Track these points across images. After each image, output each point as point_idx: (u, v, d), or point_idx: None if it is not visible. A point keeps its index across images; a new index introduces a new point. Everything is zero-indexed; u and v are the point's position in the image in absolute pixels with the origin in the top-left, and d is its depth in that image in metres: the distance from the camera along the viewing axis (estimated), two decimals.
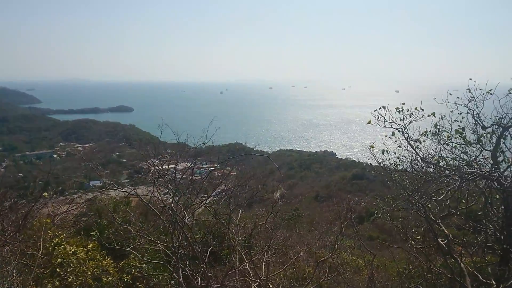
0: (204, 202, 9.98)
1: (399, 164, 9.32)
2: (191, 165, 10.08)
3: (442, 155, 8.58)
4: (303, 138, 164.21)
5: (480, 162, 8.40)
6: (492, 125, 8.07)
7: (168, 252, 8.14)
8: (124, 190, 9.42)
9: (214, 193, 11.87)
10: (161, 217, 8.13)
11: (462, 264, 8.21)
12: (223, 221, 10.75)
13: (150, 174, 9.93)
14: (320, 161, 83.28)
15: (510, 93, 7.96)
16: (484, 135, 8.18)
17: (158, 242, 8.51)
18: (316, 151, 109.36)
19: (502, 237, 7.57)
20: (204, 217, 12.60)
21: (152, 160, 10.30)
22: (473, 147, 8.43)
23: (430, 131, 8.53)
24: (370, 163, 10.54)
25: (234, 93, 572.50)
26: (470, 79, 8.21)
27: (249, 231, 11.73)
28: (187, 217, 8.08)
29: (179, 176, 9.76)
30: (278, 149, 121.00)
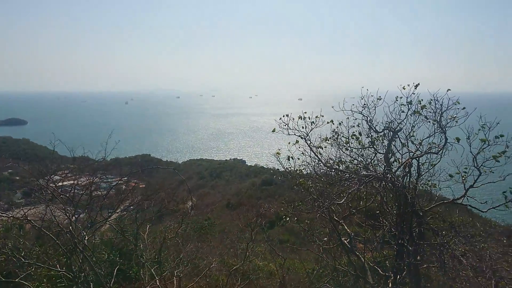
0: (108, 219, 9.36)
1: (304, 169, 9.70)
2: (94, 179, 9.40)
3: (342, 159, 9.13)
4: (213, 146, 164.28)
5: (375, 164, 9.09)
6: (383, 129, 8.80)
7: (70, 277, 7.47)
8: (6, 215, 8.30)
9: (120, 208, 11.23)
10: (57, 241, 7.40)
11: (364, 260, 8.77)
12: (130, 238, 10.24)
13: (49, 192, 9.01)
14: (230, 169, 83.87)
15: (397, 100, 8.74)
16: (377, 139, 8.87)
17: (58, 267, 7.76)
18: (226, 159, 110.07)
19: (397, 232, 8.23)
20: (110, 235, 11.89)
21: (49, 176, 9.39)
22: (368, 150, 9.11)
23: (330, 137, 9.02)
24: (278, 169, 10.83)
25: (140, 103, 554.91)
26: (363, 87, 8.86)
27: (158, 246, 11.31)
28: (86, 238, 7.48)
29: (81, 192, 9.03)
30: (188, 158, 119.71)
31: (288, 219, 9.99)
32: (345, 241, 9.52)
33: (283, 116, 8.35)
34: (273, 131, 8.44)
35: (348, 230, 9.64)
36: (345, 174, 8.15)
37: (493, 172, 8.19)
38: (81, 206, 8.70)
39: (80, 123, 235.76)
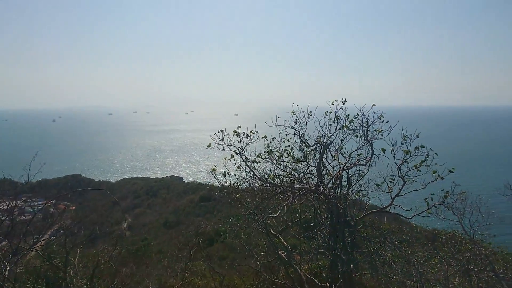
0: (33, 245, 8.70)
1: (240, 185, 9.74)
2: (17, 203, 8.70)
3: (276, 173, 9.30)
4: (148, 164, 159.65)
5: (308, 177, 9.36)
6: (315, 143, 9.12)
7: None
8: None
9: (47, 233, 10.49)
10: None
11: (300, 272, 8.93)
12: (59, 264, 9.60)
13: None
14: (167, 186, 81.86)
15: (326, 115, 9.12)
16: (309, 152, 9.18)
17: None
18: (162, 177, 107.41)
19: (331, 242, 8.49)
20: (37, 263, 11.04)
21: None
22: (301, 164, 9.37)
23: (264, 152, 9.17)
24: (216, 185, 10.78)
25: (70, 120, 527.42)
26: (294, 103, 9.15)
27: (90, 271, 10.70)
28: (8, 268, 6.90)
29: (2, 217, 8.31)
30: (123, 177, 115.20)
31: (226, 235, 9.94)
32: (282, 254, 9.65)
33: (218, 132, 8.35)
34: (208, 146, 8.40)
35: (285, 243, 9.79)
36: (280, 188, 8.30)
37: (415, 181, 8.77)
38: (1, 234, 8.02)
39: (1, 143, 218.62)
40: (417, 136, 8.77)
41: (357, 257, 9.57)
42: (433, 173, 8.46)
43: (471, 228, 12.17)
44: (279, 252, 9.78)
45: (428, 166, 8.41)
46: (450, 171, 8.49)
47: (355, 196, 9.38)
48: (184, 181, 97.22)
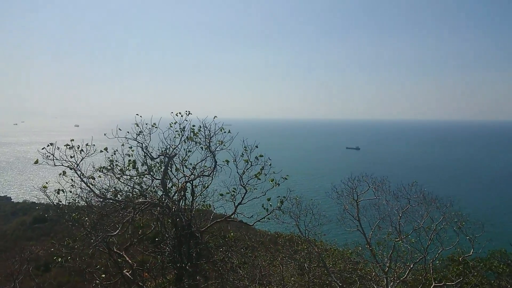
0: None
1: (77, 202, 8.92)
2: None
3: (120, 188, 8.81)
4: None
5: (153, 190, 9.11)
6: (159, 155, 8.94)
7: None
8: None
9: None
10: None
11: None
12: None
13: None
14: None
15: (171, 126, 9.05)
16: (154, 165, 8.95)
17: None
18: None
19: (176, 256, 8.38)
20: None
21: None
22: (146, 177, 9.07)
23: (104, 166, 8.59)
24: (53, 203, 9.65)
25: None
26: (137, 114, 8.83)
27: None
28: None
29: None
30: None
31: (60, 259, 8.94)
32: (127, 273, 9.14)
33: (47, 146, 7.44)
34: (36, 162, 7.42)
35: (130, 261, 9.29)
36: (121, 204, 7.86)
37: (256, 189, 9.30)
38: None
39: None
40: (256, 147, 9.33)
41: (205, 267, 9.67)
42: (271, 181, 9.06)
43: (306, 229, 13.48)
44: (124, 271, 9.24)
45: (266, 175, 9.00)
46: (285, 178, 9.23)
47: (200, 207, 9.49)
48: (13, 201, 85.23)
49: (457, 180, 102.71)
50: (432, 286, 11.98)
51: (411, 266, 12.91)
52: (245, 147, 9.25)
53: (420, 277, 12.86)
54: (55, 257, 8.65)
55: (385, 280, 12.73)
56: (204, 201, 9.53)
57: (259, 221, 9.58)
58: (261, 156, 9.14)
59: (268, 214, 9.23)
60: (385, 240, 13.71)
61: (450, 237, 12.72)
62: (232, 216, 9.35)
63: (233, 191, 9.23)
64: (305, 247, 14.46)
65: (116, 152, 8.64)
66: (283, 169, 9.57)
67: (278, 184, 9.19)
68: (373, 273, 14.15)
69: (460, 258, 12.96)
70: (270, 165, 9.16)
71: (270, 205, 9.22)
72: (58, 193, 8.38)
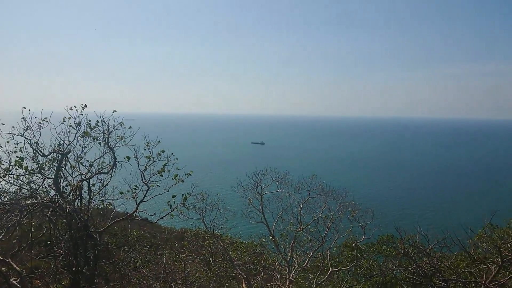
0: None
1: None
2: None
3: (5, 189, 7.97)
4: None
5: (45, 190, 8.40)
6: (51, 152, 8.24)
7: None
8: None
9: None
10: None
11: None
12: None
13: None
14: None
15: (64, 121, 8.39)
16: (45, 163, 8.23)
17: None
18: None
19: (72, 259, 7.84)
20: None
21: None
22: (37, 176, 8.33)
23: None
24: None
25: None
26: (25, 107, 8.06)
27: None
28: None
29: None
30: None
31: None
32: (15, 282, 8.34)
33: None
34: None
35: (17, 268, 8.48)
36: (6, 206, 7.11)
37: (159, 186, 9.08)
38: None
39: None
40: (159, 142, 9.11)
41: (105, 269, 9.22)
42: (174, 177, 8.94)
43: (212, 224, 13.55)
44: (11, 280, 8.41)
45: (169, 171, 8.84)
46: (188, 174, 9.16)
47: (98, 206, 9.00)
48: None
49: (352, 171, 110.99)
50: (329, 272, 12.81)
51: (311, 254, 13.69)
52: (147, 143, 8.98)
53: (319, 264, 13.67)
54: None
55: (287, 269, 13.32)
56: (103, 200, 9.03)
57: (162, 218, 9.38)
58: (163, 151, 8.95)
59: (172, 211, 9.08)
60: (287, 231, 14.34)
61: (345, 225, 13.73)
62: (134, 214, 9.02)
63: (135, 189, 8.90)
64: (211, 242, 14.50)
65: (1, 149, 7.79)
66: (188, 165, 9.47)
67: (182, 181, 9.10)
68: (276, 263, 14.70)
69: (354, 244, 14.04)
70: (174, 160, 9.00)
71: (174, 201, 9.08)
72: None
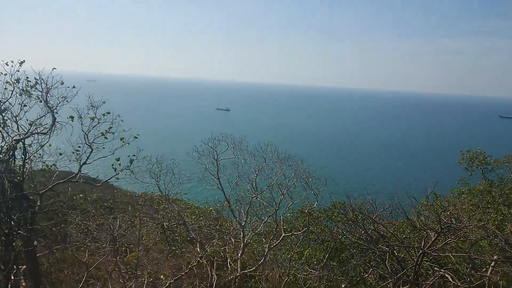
0: None
1: None
2: None
3: None
4: None
5: None
6: None
7: None
8: None
9: None
10: None
11: None
12: None
13: None
14: None
15: None
16: None
17: None
18: None
19: (6, 220, 7.60)
20: None
21: None
22: None
23: None
24: None
25: None
26: None
27: None
28: None
29: None
30: None
31: None
32: None
33: None
34: None
35: None
36: None
37: (104, 148, 8.83)
38: None
39: None
40: (104, 102, 8.79)
41: (47, 232, 9.04)
42: (121, 139, 8.71)
43: (166, 188, 13.47)
44: None
45: (113, 133, 8.59)
46: (135, 137, 8.93)
47: (39, 168, 8.71)
48: None
49: (308, 140, 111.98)
50: (281, 236, 13.08)
51: (265, 220, 13.91)
52: (91, 103, 8.63)
53: (272, 229, 13.93)
54: None
55: (241, 233, 13.52)
56: (44, 162, 8.71)
57: (107, 181, 9.19)
58: (108, 113, 8.65)
59: (117, 174, 8.88)
60: (242, 197, 14.46)
61: (299, 192, 13.94)
62: (76, 177, 8.76)
63: (77, 150, 8.62)
64: (166, 206, 14.47)
65: None
66: (147, 131, 9.23)
67: (128, 143, 8.86)
68: (231, 228, 14.90)
69: (306, 210, 14.34)
70: (120, 123, 8.73)
71: (120, 164, 8.85)
72: None
